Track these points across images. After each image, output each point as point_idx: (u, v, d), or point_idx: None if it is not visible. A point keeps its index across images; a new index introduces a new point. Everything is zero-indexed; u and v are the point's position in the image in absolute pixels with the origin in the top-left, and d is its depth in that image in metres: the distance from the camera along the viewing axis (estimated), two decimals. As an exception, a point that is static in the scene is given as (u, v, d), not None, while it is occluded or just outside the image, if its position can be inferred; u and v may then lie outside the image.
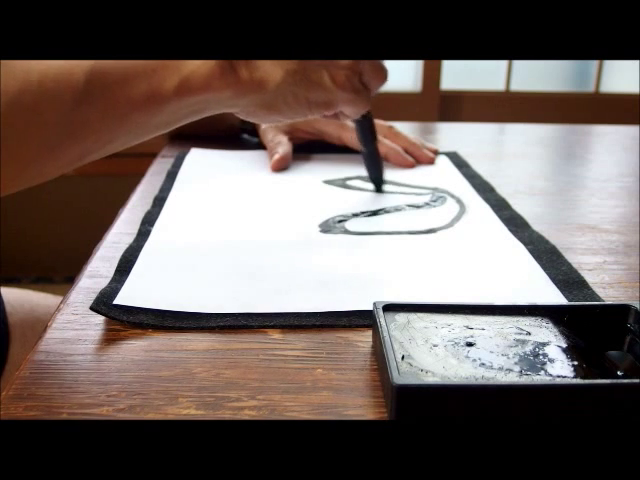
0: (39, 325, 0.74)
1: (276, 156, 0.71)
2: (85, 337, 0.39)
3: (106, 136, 0.43)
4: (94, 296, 0.42)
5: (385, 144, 0.75)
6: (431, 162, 0.76)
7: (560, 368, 0.34)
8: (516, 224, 0.57)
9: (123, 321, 0.40)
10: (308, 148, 0.78)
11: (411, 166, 0.74)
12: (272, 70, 0.44)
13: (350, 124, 0.76)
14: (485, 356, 0.35)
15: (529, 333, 0.37)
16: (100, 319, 0.40)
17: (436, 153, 0.79)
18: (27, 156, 0.41)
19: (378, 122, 0.78)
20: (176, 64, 0.42)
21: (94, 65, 0.41)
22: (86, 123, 0.42)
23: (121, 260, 0.48)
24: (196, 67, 0.42)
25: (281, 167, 0.71)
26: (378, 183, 0.66)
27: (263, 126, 0.77)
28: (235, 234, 0.54)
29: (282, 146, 0.73)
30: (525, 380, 0.33)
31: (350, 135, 0.75)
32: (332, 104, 0.48)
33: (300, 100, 0.46)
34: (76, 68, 0.40)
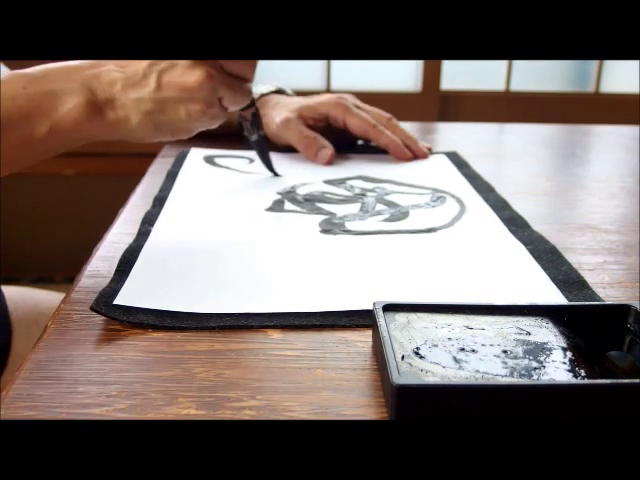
0: (43, 319, 0.75)
1: (329, 152, 0.74)
2: (85, 337, 0.39)
3: None
4: (94, 296, 0.42)
5: (387, 136, 0.76)
6: (425, 157, 0.78)
7: (560, 368, 0.34)
8: (516, 224, 0.57)
9: (123, 321, 0.40)
10: None
11: (409, 159, 0.76)
12: (133, 109, 0.50)
13: (353, 109, 0.76)
14: (485, 356, 0.35)
15: (529, 333, 0.37)
16: (100, 319, 0.40)
17: (430, 151, 0.80)
18: None
19: (378, 112, 0.79)
20: (48, 108, 0.48)
21: None
22: None
23: (121, 260, 0.48)
24: (66, 112, 0.48)
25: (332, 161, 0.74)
26: (270, 168, 0.69)
27: (279, 120, 0.76)
28: (235, 234, 0.54)
29: (322, 140, 0.75)
30: (525, 380, 0.33)
31: (355, 121, 0.75)
32: (192, 130, 0.55)
33: (162, 130, 0.53)
34: None
